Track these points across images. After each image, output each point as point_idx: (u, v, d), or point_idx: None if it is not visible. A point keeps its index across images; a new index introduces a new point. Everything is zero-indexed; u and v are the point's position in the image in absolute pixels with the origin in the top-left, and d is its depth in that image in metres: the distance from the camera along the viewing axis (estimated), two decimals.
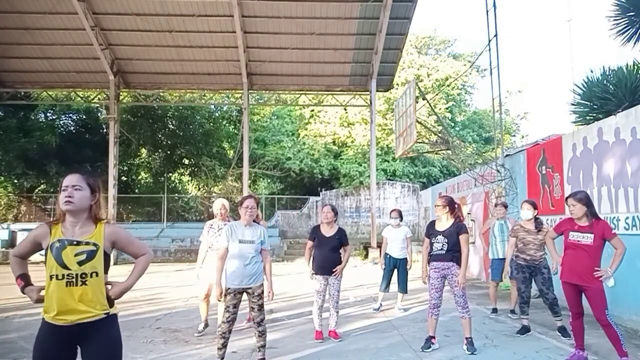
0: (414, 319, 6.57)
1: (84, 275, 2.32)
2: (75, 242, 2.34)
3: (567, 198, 4.50)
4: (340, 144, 24.57)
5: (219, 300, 4.33)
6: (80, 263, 2.32)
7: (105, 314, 2.37)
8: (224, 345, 4.29)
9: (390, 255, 7.29)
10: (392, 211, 7.55)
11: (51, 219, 2.48)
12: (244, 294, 4.33)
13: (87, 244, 2.35)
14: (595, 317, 4.25)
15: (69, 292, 2.29)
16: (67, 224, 2.40)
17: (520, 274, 5.66)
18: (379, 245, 7.70)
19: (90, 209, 2.43)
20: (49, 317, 2.32)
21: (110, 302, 2.43)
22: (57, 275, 2.30)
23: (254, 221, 4.44)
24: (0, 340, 5.45)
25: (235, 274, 4.24)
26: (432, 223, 5.18)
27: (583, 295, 4.38)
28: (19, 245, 2.51)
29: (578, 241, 4.32)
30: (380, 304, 7.31)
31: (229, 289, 4.25)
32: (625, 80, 9.14)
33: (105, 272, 2.44)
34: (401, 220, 7.37)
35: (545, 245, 5.56)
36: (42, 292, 2.35)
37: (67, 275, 2.30)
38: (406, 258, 7.21)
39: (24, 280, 2.44)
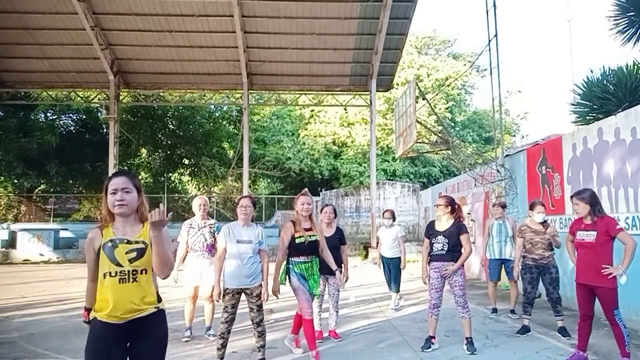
0: (414, 319, 6.57)
1: (134, 272, 2.41)
2: (126, 241, 2.44)
3: (571, 196, 4.49)
4: (340, 144, 24.58)
5: (218, 301, 4.33)
6: (132, 260, 2.41)
7: (155, 308, 2.46)
8: (223, 346, 4.29)
9: (382, 255, 7.35)
10: (384, 212, 7.59)
11: (100, 223, 2.54)
12: (243, 294, 4.33)
13: (137, 242, 2.44)
14: (604, 315, 4.23)
15: (122, 289, 2.38)
16: (117, 224, 2.49)
17: (528, 274, 5.62)
18: None
19: (137, 209, 2.52)
20: (102, 315, 2.39)
21: (159, 298, 2.51)
22: (110, 273, 2.39)
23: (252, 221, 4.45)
24: (0, 340, 5.45)
25: (233, 275, 4.24)
26: (432, 223, 5.18)
27: (596, 299, 4.30)
28: (88, 269, 2.53)
29: (583, 240, 4.29)
30: (397, 302, 7.33)
31: (227, 289, 4.26)
32: (625, 80, 9.15)
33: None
34: (394, 220, 7.40)
35: (553, 245, 5.58)
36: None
37: (120, 272, 2.39)
38: (399, 257, 7.20)
39: (89, 311, 2.54)
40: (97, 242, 2.45)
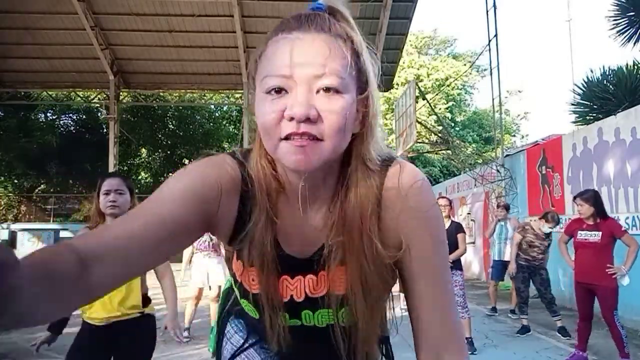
0: None
1: None
2: None
3: (575, 197, 4.47)
4: None
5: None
6: None
7: (139, 313, 2.43)
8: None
9: None
10: None
11: (88, 224, 2.51)
12: None
13: None
14: (602, 315, 4.23)
15: None
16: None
17: (520, 273, 5.65)
18: None
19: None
20: (85, 316, 2.42)
21: (145, 302, 2.48)
22: None
23: None
24: (1, 340, 5.45)
25: None
26: None
27: (596, 299, 4.29)
28: None
29: (586, 239, 4.28)
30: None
31: None
32: (625, 80, 9.16)
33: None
34: None
35: (548, 250, 5.59)
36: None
37: None
38: None
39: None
40: None
